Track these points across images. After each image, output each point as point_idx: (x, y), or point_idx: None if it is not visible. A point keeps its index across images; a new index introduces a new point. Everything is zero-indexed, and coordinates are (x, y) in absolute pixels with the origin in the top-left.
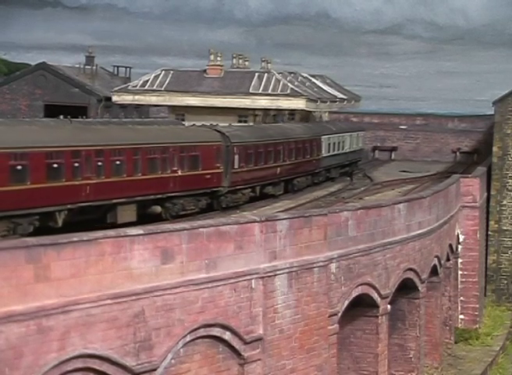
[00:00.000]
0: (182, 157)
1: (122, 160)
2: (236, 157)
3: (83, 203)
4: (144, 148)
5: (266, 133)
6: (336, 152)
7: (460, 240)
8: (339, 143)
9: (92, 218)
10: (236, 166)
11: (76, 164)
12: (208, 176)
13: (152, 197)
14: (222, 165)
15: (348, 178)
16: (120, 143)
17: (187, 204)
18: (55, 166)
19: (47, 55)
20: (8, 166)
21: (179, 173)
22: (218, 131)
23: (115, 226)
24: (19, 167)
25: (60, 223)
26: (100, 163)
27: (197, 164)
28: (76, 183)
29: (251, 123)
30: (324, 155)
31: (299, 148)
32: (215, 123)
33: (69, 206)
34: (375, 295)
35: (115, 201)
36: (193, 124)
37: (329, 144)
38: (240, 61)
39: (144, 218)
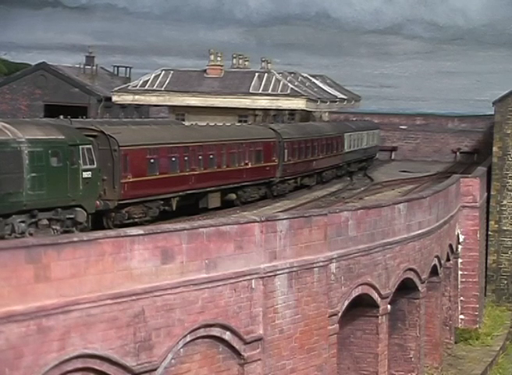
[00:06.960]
0: (251, 151)
1: (214, 154)
2: (286, 151)
3: (189, 191)
4: (228, 143)
5: (305, 130)
6: (355, 148)
7: (460, 240)
8: (358, 140)
9: (189, 204)
10: (285, 160)
11: (186, 158)
12: (268, 168)
13: (231, 185)
14: (276, 158)
15: (348, 178)
16: (213, 140)
17: (252, 192)
18: (173, 159)
19: (47, 55)
20: (146, 160)
21: (249, 165)
22: (272, 129)
23: (206, 210)
24: (152, 160)
25: (174, 207)
26: (200, 157)
27: (260, 157)
28: (186, 173)
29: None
30: (346, 151)
31: (328, 144)
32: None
33: (180, 193)
34: (375, 295)
35: (208, 189)
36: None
37: (350, 140)
38: (240, 61)
39: (224, 204)
